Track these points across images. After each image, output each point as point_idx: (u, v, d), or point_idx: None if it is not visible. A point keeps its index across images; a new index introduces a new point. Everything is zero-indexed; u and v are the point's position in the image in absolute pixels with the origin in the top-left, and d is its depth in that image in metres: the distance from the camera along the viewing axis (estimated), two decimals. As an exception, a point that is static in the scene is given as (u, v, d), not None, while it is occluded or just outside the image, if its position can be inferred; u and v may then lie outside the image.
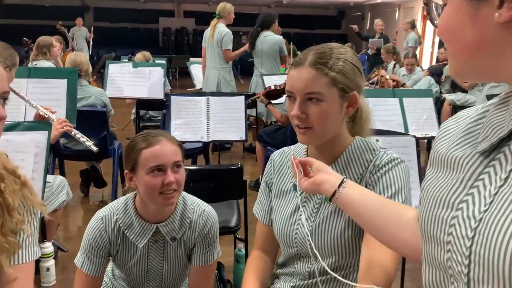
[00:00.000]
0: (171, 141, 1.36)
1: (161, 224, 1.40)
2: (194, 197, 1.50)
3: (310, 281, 1.22)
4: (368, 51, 7.84)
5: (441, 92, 5.64)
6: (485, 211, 0.59)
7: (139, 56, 4.95)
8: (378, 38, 7.76)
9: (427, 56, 11.63)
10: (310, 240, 1.16)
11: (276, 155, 1.34)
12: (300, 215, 1.21)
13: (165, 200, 1.33)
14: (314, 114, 1.09)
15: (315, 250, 1.12)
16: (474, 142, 0.66)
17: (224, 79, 5.00)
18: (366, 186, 1.14)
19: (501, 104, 0.64)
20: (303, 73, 1.09)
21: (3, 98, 0.99)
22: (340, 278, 0.97)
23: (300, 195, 1.22)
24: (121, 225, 1.40)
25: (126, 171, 1.39)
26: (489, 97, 3.63)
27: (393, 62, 5.92)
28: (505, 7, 0.55)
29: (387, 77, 5.33)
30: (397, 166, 1.15)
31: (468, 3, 0.59)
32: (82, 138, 2.24)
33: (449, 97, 5.37)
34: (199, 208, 1.46)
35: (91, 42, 9.62)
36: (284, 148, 1.35)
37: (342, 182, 0.97)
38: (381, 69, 5.52)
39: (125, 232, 1.40)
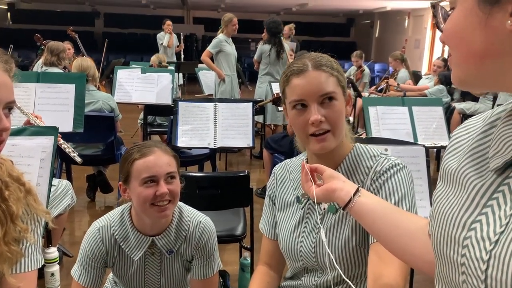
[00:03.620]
0: (165, 152, 1.33)
1: (157, 237, 1.38)
2: (191, 208, 1.47)
3: None
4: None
5: (452, 99, 5.58)
6: (501, 232, 0.56)
7: (153, 58, 5.17)
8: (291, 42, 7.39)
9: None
10: (330, 253, 1.12)
11: (278, 168, 1.32)
12: (305, 227, 1.18)
13: (159, 212, 1.30)
14: (331, 115, 1.08)
15: (335, 264, 1.08)
16: (485, 157, 0.63)
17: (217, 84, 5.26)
18: None
19: (510, 116, 0.61)
20: (312, 77, 1.08)
21: (8, 108, 0.98)
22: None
23: (303, 207, 1.19)
24: (117, 237, 1.38)
25: (120, 182, 1.36)
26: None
27: (403, 70, 5.86)
28: None
29: (395, 85, 5.30)
30: (399, 172, 1.11)
31: (479, 7, 0.55)
32: (68, 148, 2.24)
33: (458, 106, 5.32)
34: (195, 220, 1.43)
35: (182, 53, 8.16)
36: (286, 160, 1.33)
37: (357, 191, 0.93)
38: (390, 78, 5.48)
39: (121, 244, 1.39)
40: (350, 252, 1.12)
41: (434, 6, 0.65)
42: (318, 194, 0.97)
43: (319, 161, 1.15)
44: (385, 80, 5.46)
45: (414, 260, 0.85)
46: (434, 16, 0.66)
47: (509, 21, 0.53)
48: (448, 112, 5.06)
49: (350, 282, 0.96)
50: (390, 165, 1.12)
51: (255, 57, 5.30)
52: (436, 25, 0.66)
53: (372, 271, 1.05)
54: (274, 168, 1.33)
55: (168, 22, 7.91)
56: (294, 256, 1.20)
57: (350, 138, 1.20)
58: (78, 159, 2.26)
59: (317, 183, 1.01)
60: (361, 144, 1.19)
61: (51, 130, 1.74)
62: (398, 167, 1.12)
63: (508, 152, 0.58)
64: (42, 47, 5.16)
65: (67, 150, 2.24)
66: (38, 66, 4.56)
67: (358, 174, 1.15)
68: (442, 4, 0.65)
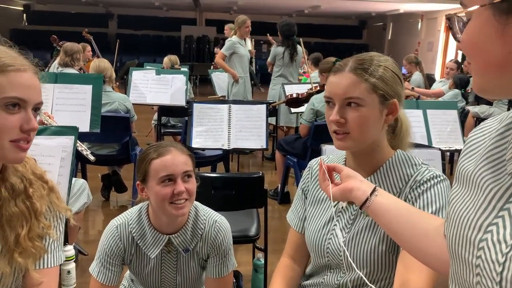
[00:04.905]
0: (181, 152, 1.36)
1: (173, 235, 1.40)
2: (207, 207, 1.50)
3: None
4: None
5: (467, 103, 5.54)
6: None
7: (165, 60, 5.13)
8: None
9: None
10: (346, 252, 1.14)
11: (314, 162, 1.33)
12: (335, 225, 1.19)
13: (176, 210, 1.32)
14: (352, 119, 1.09)
15: (351, 262, 1.10)
16: (502, 160, 0.63)
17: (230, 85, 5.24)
18: (405, 201, 1.11)
19: None
20: (343, 78, 1.10)
21: (35, 108, 1.00)
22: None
23: (335, 205, 1.21)
24: (134, 235, 1.41)
25: (137, 182, 1.39)
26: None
27: (417, 73, 5.84)
28: None
29: (410, 88, 5.28)
30: (439, 183, 1.11)
31: (495, 18, 0.55)
32: (80, 147, 2.27)
33: (473, 109, 5.28)
34: (211, 219, 1.45)
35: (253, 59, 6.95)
36: (323, 156, 1.35)
37: (374, 190, 0.94)
38: (405, 80, 5.46)
39: (138, 242, 1.41)
40: (379, 255, 1.13)
41: (449, 18, 0.65)
42: (335, 193, 0.99)
43: (356, 161, 1.17)
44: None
45: (430, 260, 0.86)
46: (450, 28, 0.65)
47: None
48: (462, 115, 5.02)
49: (371, 285, 0.96)
50: (431, 176, 1.12)
51: (269, 59, 5.32)
52: (453, 36, 0.66)
53: (399, 277, 1.05)
54: (310, 162, 1.34)
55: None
56: (320, 252, 1.21)
57: (404, 143, 1.21)
58: (91, 157, 2.30)
59: (335, 182, 1.03)
60: (403, 152, 1.19)
61: (71, 130, 1.77)
62: (439, 179, 1.12)
63: None
64: (58, 48, 5.23)
65: (79, 148, 2.28)
66: (54, 67, 4.63)
67: (397, 180, 1.15)
68: (458, 14, 0.65)
